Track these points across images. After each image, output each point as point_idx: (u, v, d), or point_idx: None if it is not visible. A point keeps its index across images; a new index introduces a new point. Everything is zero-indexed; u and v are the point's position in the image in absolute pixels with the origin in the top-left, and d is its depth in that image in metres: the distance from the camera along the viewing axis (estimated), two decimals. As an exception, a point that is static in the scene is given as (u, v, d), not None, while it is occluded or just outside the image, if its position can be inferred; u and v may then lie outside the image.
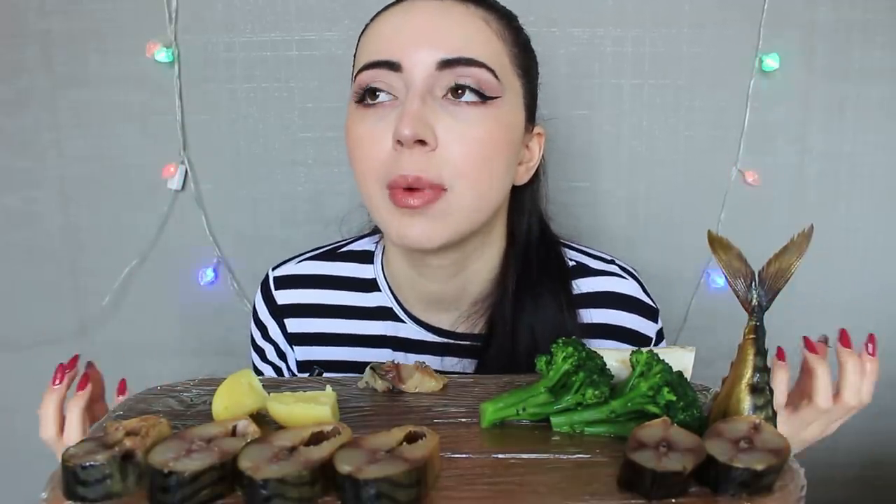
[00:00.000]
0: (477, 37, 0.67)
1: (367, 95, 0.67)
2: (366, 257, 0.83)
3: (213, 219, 1.10)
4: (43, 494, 0.42)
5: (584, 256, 0.82)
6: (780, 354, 0.69)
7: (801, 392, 0.70)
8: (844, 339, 0.69)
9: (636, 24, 1.04)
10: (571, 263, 0.81)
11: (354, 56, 0.72)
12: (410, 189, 0.65)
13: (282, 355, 0.84)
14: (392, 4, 0.70)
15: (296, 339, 0.83)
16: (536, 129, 0.76)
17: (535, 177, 0.78)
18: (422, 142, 0.64)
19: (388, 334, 0.80)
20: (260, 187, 1.10)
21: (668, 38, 1.04)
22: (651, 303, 0.81)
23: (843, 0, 1.04)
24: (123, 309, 1.13)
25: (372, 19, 0.71)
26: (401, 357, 0.79)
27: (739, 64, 1.05)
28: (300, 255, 0.86)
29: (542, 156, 0.77)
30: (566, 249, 0.83)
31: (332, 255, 0.84)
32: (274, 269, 0.85)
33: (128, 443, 0.43)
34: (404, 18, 0.67)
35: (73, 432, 0.66)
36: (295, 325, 0.82)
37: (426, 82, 0.65)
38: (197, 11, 1.04)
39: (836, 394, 0.68)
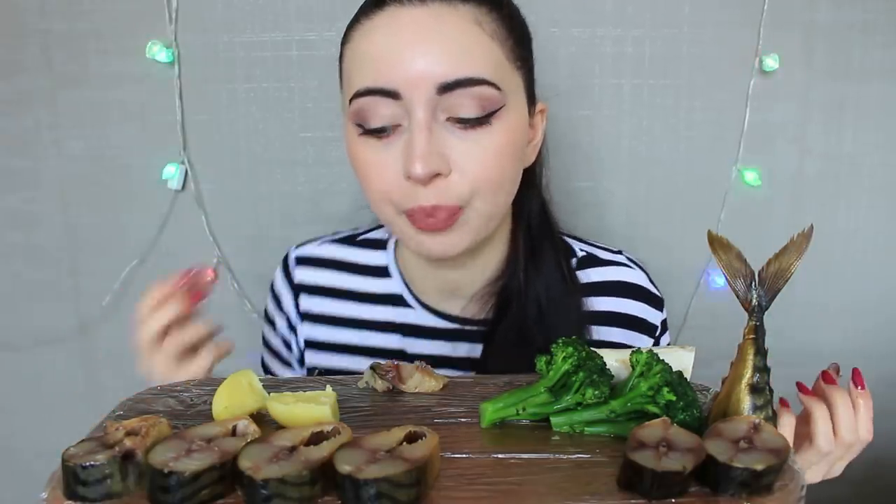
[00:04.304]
0: (473, 49, 0.64)
1: (367, 124, 0.66)
2: (380, 245, 0.85)
3: (213, 219, 1.10)
4: (43, 494, 0.42)
5: (593, 248, 0.85)
6: (784, 402, 0.68)
7: (801, 434, 0.68)
8: (828, 377, 0.68)
9: (636, 25, 1.04)
10: (581, 254, 0.83)
11: (341, 64, 0.70)
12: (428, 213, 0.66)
13: (292, 329, 0.86)
14: (374, 9, 0.66)
15: (307, 317, 0.84)
16: (539, 107, 0.75)
17: (537, 154, 0.78)
18: (437, 173, 0.64)
19: (398, 321, 0.81)
20: (260, 187, 1.10)
21: (668, 39, 1.04)
22: (657, 292, 0.84)
23: (843, 0, 1.04)
24: (123, 309, 1.13)
25: (354, 26, 0.67)
26: (411, 343, 0.81)
27: (739, 64, 1.05)
28: (322, 238, 0.88)
29: (544, 132, 0.77)
30: (575, 241, 0.85)
31: (350, 240, 0.86)
32: (297, 247, 0.87)
33: (128, 443, 0.43)
34: (393, 34, 0.64)
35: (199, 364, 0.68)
36: (307, 302, 0.84)
37: (428, 108, 0.63)
38: (197, 11, 1.04)
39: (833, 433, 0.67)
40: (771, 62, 1.04)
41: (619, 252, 0.85)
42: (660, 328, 0.83)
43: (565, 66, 1.05)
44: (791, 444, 0.68)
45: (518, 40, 0.69)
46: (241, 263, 1.12)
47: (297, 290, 0.85)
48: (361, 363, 0.81)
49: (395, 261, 0.83)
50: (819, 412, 0.66)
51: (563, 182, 1.08)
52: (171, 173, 1.07)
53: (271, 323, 0.89)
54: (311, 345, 0.84)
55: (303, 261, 0.86)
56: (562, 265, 0.79)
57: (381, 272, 0.83)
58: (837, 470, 0.70)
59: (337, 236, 0.87)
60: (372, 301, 0.82)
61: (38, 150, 1.09)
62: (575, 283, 0.79)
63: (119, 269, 1.10)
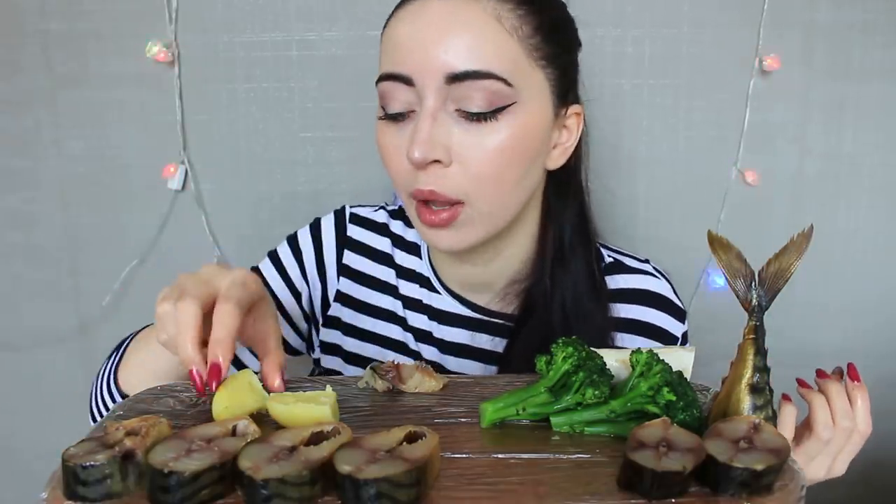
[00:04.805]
0: (487, 43, 0.64)
1: (388, 108, 0.69)
2: None
3: (213, 219, 1.10)
4: (43, 494, 0.42)
5: (620, 255, 0.85)
6: (785, 396, 0.72)
7: (803, 427, 0.72)
8: (821, 373, 0.73)
9: (636, 24, 1.04)
10: (609, 260, 0.83)
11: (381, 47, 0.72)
12: (430, 202, 0.68)
13: (322, 279, 0.85)
14: (408, 1, 0.69)
15: (346, 271, 0.84)
16: (574, 109, 0.73)
17: (576, 157, 0.77)
18: (435, 160, 0.66)
19: (425, 301, 0.82)
20: (260, 187, 1.10)
21: (668, 38, 1.04)
22: (680, 304, 0.83)
23: (843, 0, 1.04)
24: (123, 309, 1.13)
25: (392, 14, 0.70)
26: (437, 327, 0.81)
27: (739, 64, 1.05)
28: (376, 205, 0.89)
29: (582, 135, 0.76)
30: (603, 248, 0.85)
31: (399, 213, 0.87)
32: (352, 206, 0.87)
33: (128, 443, 0.43)
34: (416, 24, 0.66)
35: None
36: (351, 257, 0.85)
37: (437, 97, 0.65)
38: (197, 11, 1.04)
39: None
40: (771, 62, 1.04)
41: (646, 261, 0.85)
42: (680, 340, 0.82)
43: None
44: (792, 436, 0.70)
45: (547, 37, 0.68)
46: (241, 263, 1.10)
47: (345, 243, 0.85)
48: (392, 330, 0.82)
49: (427, 244, 0.84)
50: (817, 402, 0.70)
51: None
52: (171, 173, 1.07)
53: (280, 260, 0.85)
54: (345, 300, 0.84)
55: (357, 219, 0.86)
56: (594, 271, 0.79)
57: (414, 250, 0.84)
58: (840, 467, 0.71)
59: (389, 207, 0.88)
60: (407, 277, 0.83)
61: (38, 150, 1.09)
62: (603, 289, 0.79)
63: (119, 269, 1.10)
